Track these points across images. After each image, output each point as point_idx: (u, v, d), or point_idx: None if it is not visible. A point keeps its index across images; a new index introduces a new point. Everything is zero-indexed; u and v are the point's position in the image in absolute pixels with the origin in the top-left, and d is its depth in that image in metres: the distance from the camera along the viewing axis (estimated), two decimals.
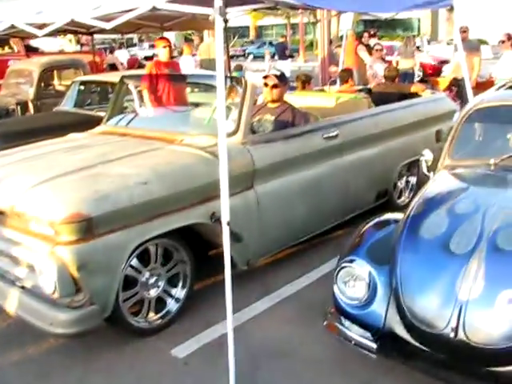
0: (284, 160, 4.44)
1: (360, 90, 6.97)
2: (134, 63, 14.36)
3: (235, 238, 3.86)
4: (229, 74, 6.61)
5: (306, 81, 7.05)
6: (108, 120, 5.15)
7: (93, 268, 3.29)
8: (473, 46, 10.00)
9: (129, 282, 3.64)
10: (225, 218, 3.02)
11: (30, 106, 8.62)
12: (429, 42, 13.87)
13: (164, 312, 3.92)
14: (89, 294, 3.31)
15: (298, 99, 5.85)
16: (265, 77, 4.91)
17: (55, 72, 9.78)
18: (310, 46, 40.03)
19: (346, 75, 7.33)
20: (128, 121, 5.15)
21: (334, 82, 8.43)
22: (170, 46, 6.51)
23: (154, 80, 6.03)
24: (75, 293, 3.29)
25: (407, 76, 11.34)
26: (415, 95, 6.77)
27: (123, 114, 5.40)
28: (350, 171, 5.08)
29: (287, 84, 5.12)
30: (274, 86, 4.84)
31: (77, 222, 3.22)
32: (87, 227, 3.25)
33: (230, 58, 10.59)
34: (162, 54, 6.47)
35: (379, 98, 6.27)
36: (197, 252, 4.00)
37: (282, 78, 4.91)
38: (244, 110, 4.25)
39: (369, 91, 7.04)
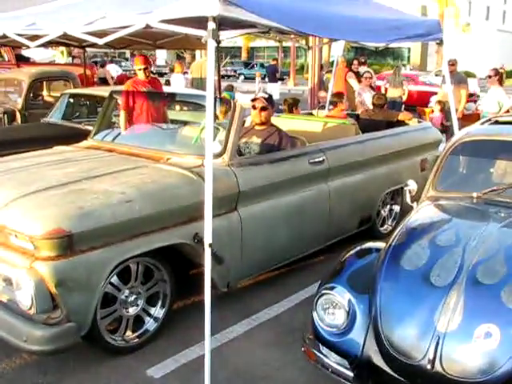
0: (269, 184, 4.45)
1: (348, 115, 7.02)
2: (123, 80, 14.32)
3: (217, 259, 3.86)
4: (218, 95, 6.63)
5: (293, 104, 7.09)
6: (95, 135, 5.13)
7: (71, 285, 3.25)
8: (460, 79, 10.18)
9: (108, 300, 3.60)
10: (207, 239, 3.02)
11: (18, 115, 8.57)
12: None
13: (142, 331, 3.88)
14: (66, 311, 3.26)
15: (285, 122, 5.89)
16: (253, 99, 4.93)
17: (45, 83, 9.73)
18: (301, 69, 40.40)
19: (337, 99, 7.37)
20: (115, 136, 5.15)
21: (322, 107, 8.49)
22: (146, 68, 6.26)
23: (132, 99, 5.94)
24: (52, 309, 3.24)
25: (395, 105, 11.48)
26: (402, 123, 6.85)
27: (111, 129, 5.38)
28: (335, 197, 5.10)
29: (274, 107, 5.15)
30: (263, 109, 4.86)
31: (57, 237, 3.19)
32: (68, 243, 3.22)
33: (221, 77, 10.66)
34: (140, 74, 6.28)
35: (367, 125, 6.33)
36: (178, 271, 3.98)
37: (269, 100, 4.95)
38: (232, 132, 4.26)
39: (357, 117, 7.10)
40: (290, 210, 4.64)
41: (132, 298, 3.77)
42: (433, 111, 10.75)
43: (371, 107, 7.88)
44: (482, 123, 4.61)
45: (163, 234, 3.71)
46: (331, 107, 7.58)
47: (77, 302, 3.31)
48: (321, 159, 4.95)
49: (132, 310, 3.79)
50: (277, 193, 4.52)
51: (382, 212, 6.06)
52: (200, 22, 3.17)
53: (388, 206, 6.14)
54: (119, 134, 5.35)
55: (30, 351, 3.36)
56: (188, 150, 4.42)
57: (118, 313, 3.71)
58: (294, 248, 4.84)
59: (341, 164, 5.19)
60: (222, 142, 4.25)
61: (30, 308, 3.19)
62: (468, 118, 9.37)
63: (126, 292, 3.73)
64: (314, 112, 7.68)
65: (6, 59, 13.35)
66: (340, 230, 5.35)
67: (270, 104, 4.92)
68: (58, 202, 3.44)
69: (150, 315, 3.93)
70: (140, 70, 6.22)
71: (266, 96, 4.95)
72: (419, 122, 7.13)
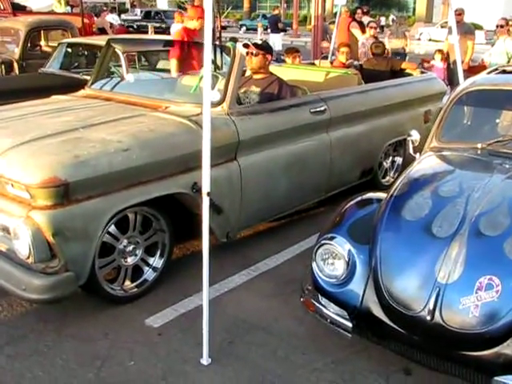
0: (269, 133, 4.37)
1: (351, 66, 6.89)
2: (121, 32, 13.98)
3: (215, 210, 3.83)
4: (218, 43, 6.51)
5: (295, 52, 6.95)
6: (92, 83, 5.03)
7: (69, 234, 3.22)
8: (467, 30, 9.92)
9: (106, 249, 3.58)
10: (205, 188, 2.96)
11: (15, 65, 8.43)
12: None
13: (140, 281, 3.88)
14: (64, 260, 3.24)
15: (287, 72, 5.77)
16: (245, 46, 4.80)
17: (42, 32, 9.53)
18: (304, 20, 39.70)
19: (345, 46, 7.21)
20: (113, 85, 5.06)
21: (325, 58, 8.34)
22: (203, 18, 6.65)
23: (185, 47, 6.14)
24: (50, 258, 3.22)
25: (399, 56, 11.25)
26: (406, 73, 6.71)
27: (108, 78, 5.28)
28: (336, 147, 5.02)
29: (271, 54, 4.99)
30: (254, 55, 4.72)
31: (53, 186, 3.14)
32: (64, 192, 3.18)
33: (223, 28, 10.42)
34: (194, 24, 6.60)
35: (370, 75, 6.20)
36: (177, 221, 3.95)
37: (263, 47, 4.80)
38: (231, 80, 4.17)
39: (360, 67, 6.97)
40: (290, 160, 4.58)
41: (130, 248, 3.75)
42: (429, 61, 10.44)
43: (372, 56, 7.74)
44: (489, 73, 4.50)
45: (161, 183, 3.66)
46: (334, 57, 7.45)
47: (74, 252, 3.28)
48: (322, 109, 4.86)
49: (130, 260, 3.79)
50: (277, 142, 4.45)
51: (384, 163, 6.00)
52: None
53: (390, 158, 6.08)
54: (117, 82, 5.25)
55: (29, 300, 3.36)
56: (187, 99, 4.34)
57: (116, 262, 3.70)
58: (294, 198, 4.80)
59: (343, 114, 5.10)
60: (221, 91, 4.15)
61: (28, 257, 3.17)
62: (473, 70, 9.17)
63: (125, 242, 3.71)
64: (316, 62, 7.53)
65: (2, 7, 13.05)
66: (341, 180, 5.30)
67: (264, 50, 4.78)
68: (53, 151, 3.38)
69: (148, 265, 3.92)
70: (198, 18, 6.51)
71: (259, 43, 4.82)
72: (422, 72, 6.98)
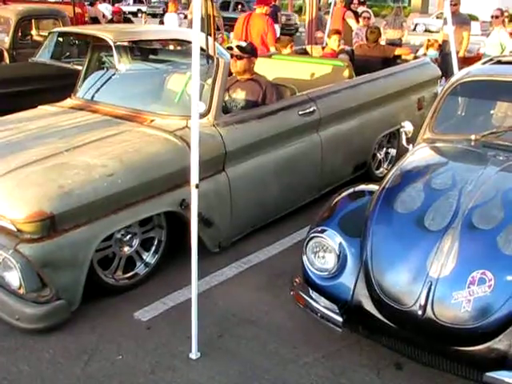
0: (257, 141, 4.29)
1: (342, 52, 6.80)
2: (118, 12, 13.67)
3: (206, 223, 3.87)
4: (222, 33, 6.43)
5: (290, 36, 6.87)
6: (78, 92, 4.84)
7: (58, 264, 3.22)
8: (463, 20, 9.83)
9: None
10: (194, 180, 2.91)
11: (6, 55, 8.33)
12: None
13: (132, 273, 3.85)
14: (55, 289, 3.24)
15: (276, 65, 5.68)
16: (229, 48, 4.71)
17: (33, 21, 9.45)
18: (299, 11, 39.49)
19: (335, 33, 7.16)
20: (99, 95, 4.77)
21: None
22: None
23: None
24: (41, 288, 3.23)
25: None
26: (399, 62, 6.64)
27: (95, 85, 4.97)
28: (327, 146, 4.93)
29: (256, 56, 4.83)
30: (238, 58, 4.63)
31: (39, 220, 3.12)
32: (50, 225, 3.16)
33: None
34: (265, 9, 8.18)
35: (362, 62, 6.12)
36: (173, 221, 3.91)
37: (247, 49, 4.69)
38: (216, 90, 4.08)
39: (352, 52, 6.89)
40: (280, 165, 4.50)
41: (127, 238, 3.74)
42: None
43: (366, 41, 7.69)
44: (484, 63, 4.44)
45: (148, 203, 3.64)
46: (325, 45, 7.39)
47: (65, 280, 3.29)
48: (311, 109, 4.76)
49: (126, 250, 3.77)
50: (266, 149, 4.38)
51: (378, 155, 5.92)
52: None
53: (384, 149, 6.00)
54: (103, 91, 4.88)
55: (24, 329, 3.31)
56: (172, 110, 4.25)
57: (111, 249, 3.67)
58: (286, 202, 4.74)
59: (333, 112, 5.00)
60: (205, 99, 4.01)
61: (20, 288, 3.19)
62: (469, 61, 9.09)
63: (122, 230, 3.68)
64: (308, 48, 7.39)
65: None
66: (334, 178, 5.21)
67: (248, 53, 4.67)
68: (38, 181, 3.33)
69: (141, 259, 3.89)
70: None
71: (243, 45, 4.73)
72: (416, 57, 6.87)
